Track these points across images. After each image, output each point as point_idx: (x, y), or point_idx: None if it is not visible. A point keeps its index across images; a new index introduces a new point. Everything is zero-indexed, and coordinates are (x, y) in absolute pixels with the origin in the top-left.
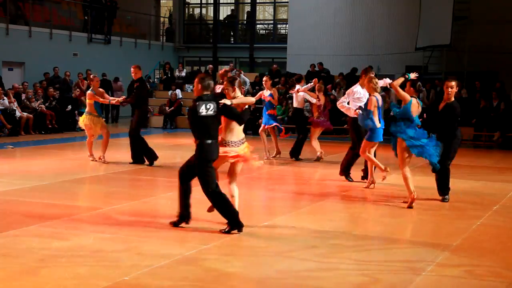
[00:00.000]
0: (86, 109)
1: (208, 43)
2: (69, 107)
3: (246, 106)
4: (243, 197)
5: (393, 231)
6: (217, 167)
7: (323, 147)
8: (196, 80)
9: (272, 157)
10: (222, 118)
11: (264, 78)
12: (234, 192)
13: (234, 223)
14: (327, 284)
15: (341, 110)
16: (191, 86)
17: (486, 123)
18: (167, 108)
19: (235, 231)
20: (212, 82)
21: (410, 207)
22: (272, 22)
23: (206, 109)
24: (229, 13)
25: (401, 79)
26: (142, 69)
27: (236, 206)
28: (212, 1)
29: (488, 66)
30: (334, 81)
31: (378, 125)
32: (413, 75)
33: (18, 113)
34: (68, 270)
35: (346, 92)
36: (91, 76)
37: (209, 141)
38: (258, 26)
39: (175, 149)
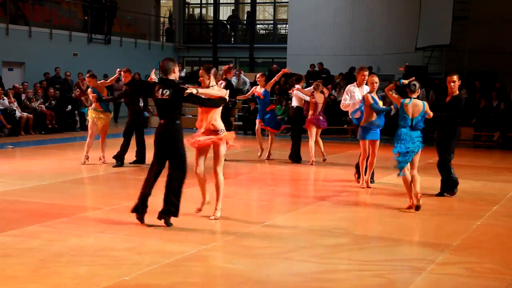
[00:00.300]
0: (92, 105)
1: (208, 43)
2: (69, 107)
3: (226, 97)
4: (244, 197)
5: (393, 231)
6: (205, 152)
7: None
8: (160, 65)
9: (266, 158)
10: (203, 108)
11: (258, 75)
12: (220, 182)
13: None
14: (327, 284)
15: (345, 110)
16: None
17: (486, 123)
18: None
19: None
20: (173, 65)
21: (409, 208)
22: (272, 22)
23: (162, 94)
24: (229, 13)
25: (392, 85)
26: (142, 69)
27: (220, 197)
28: (212, 1)
29: (488, 66)
30: (334, 81)
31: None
32: (405, 82)
33: (18, 113)
34: (68, 270)
35: (345, 91)
36: (87, 78)
37: (161, 122)
38: (258, 26)
39: None
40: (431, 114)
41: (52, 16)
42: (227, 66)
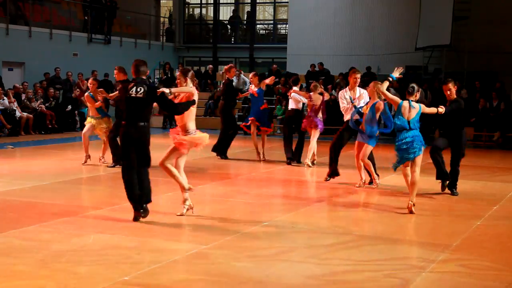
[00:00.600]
0: (90, 113)
1: (208, 43)
2: (69, 107)
3: (195, 98)
4: (243, 197)
5: (393, 231)
6: (178, 154)
7: (323, 147)
8: (132, 65)
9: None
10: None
11: (250, 75)
12: (172, 171)
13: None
14: (327, 284)
15: (347, 114)
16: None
17: (486, 123)
18: None
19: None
20: (146, 68)
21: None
22: (272, 22)
23: (136, 92)
24: (229, 13)
25: (386, 83)
26: None
27: (186, 185)
28: (212, 1)
29: (488, 66)
30: (334, 81)
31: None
32: (397, 74)
33: (18, 113)
34: (68, 270)
35: (339, 97)
36: (90, 80)
37: (134, 122)
38: (258, 26)
39: None
40: (435, 110)
41: (52, 16)
42: (228, 65)
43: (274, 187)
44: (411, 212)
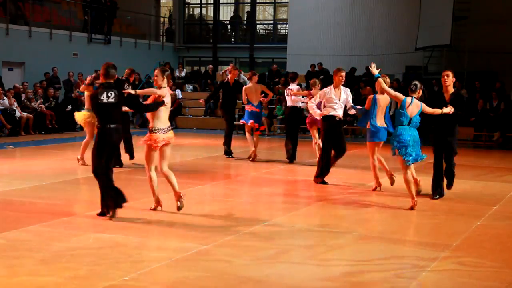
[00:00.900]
0: (86, 106)
1: (208, 43)
2: (69, 107)
3: (168, 100)
4: (244, 197)
5: (393, 231)
6: (149, 155)
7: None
8: (102, 68)
9: (252, 159)
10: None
11: (248, 75)
12: (170, 175)
13: (115, 205)
14: (327, 283)
15: (310, 111)
16: (191, 86)
17: (486, 123)
18: None
19: (110, 214)
20: (115, 71)
21: (412, 208)
22: (272, 22)
23: (107, 97)
24: (230, 13)
25: (382, 82)
26: (142, 69)
27: (176, 187)
28: (212, 1)
29: (488, 66)
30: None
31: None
32: (375, 70)
33: (18, 113)
34: (68, 270)
35: (319, 94)
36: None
37: (110, 126)
38: (258, 26)
39: (175, 149)
40: (438, 111)
41: (52, 16)
42: (231, 65)
43: (274, 187)
44: (412, 208)
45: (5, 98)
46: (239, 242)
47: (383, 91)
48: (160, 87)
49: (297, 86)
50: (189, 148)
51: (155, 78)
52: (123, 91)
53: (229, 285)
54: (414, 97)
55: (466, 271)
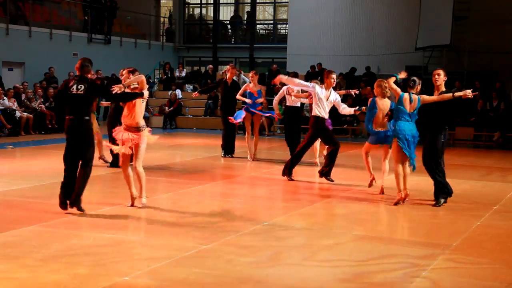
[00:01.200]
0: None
1: (208, 43)
2: None
3: (146, 93)
4: (243, 197)
5: (393, 231)
6: (127, 152)
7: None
8: (78, 61)
9: (252, 159)
10: (127, 105)
11: (251, 74)
12: (141, 174)
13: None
14: (327, 284)
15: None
16: (191, 86)
17: (486, 123)
18: (167, 108)
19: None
20: (90, 67)
21: (396, 203)
22: (272, 22)
23: (77, 89)
24: (230, 13)
25: (393, 78)
26: (142, 69)
27: (143, 187)
28: (212, 1)
29: (488, 66)
30: None
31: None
32: (402, 76)
33: (18, 113)
34: (68, 270)
35: (311, 85)
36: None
37: (74, 117)
38: (258, 26)
39: (175, 149)
40: (448, 95)
41: (52, 16)
42: (230, 65)
43: (274, 187)
44: (403, 200)
45: (5, 98)
46: (239, 242)
47: (384, 95)
48: (129, 85)
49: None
50: (189, 148)
51: (124, 77)
52: (97, 86)
53: (229, 285)
54: (413, 93)
55: (466, 271)
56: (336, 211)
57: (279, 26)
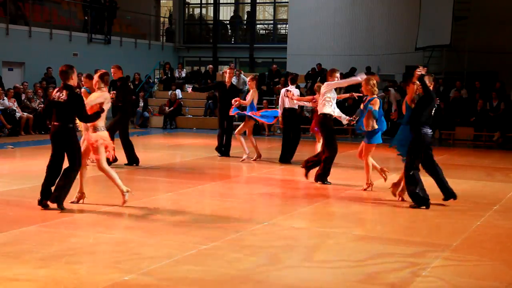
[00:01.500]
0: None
1: (208, 43)
2: None
3: (106, 106)
4: (243, 197)
5: (393, 231)
6: (90, 151)
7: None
8: (60, 69)
9: (253, 160)
10: (90, 107)
11: (248, 79)
12: (108, 172)
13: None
14: (327, 284)
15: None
16: (191, 86)
17: (486, 123)
18: (167, 108)
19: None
20: (71, 72)
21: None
22: (272, 22)
23: (58, 97)
24: (230, 13)
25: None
26: (142, 69)
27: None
28: (212, 1)
29: (488, 66)
30: None
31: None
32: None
33: (18, 113)
34: (68, 270)
35: (325, 86)
36: (83, 77)
37: (55, 123)
38: (258, 26)
39: (175, 149)
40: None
41: (52, 16)
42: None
43: (274, 187)
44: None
45: (5, 98)
46: (239, 242)
47: (373, 93)
48: (100, 88)
49: (297, 90)
50: (189, 148)
51: (95, 82)
52: (78, 97)
53: (229, 285)
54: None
55: (466, 270)
56: (336, 211)
57: (279, 26)
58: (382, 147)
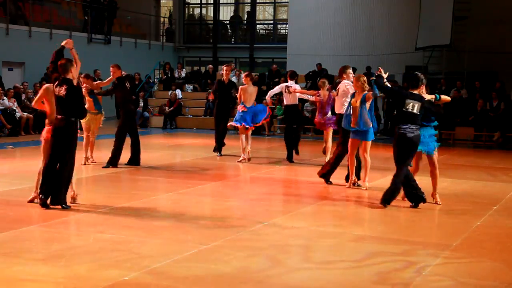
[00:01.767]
0: (86, 106)
1: (208, 43)
2: None
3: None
4: (243, 197)
5: (393, 231)
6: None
7: (320, 147)
8: (59, 64)
9: (238, 161)
10: (50, 104)
11: (243, 76)
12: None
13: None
14: (327, 284)
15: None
16: (191, 86)
17: (486, 123)
18: (167, 108)
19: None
20: (70, 65)
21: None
22: (272, 22)
23: (59, 91)
24: (230, 13)
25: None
26: (142, 69)
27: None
28: (212, 1)
29: (488, 66)
30: (334, 81)
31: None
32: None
33: (18, 113)
34: (68, 270)
35: (344, 91)
36: (81, 77)
37: (59, 117)
38: (258, 26)
39: (175, 149)
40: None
41: (52, 16)
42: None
43: (274, 187)
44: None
45: (5, 98)
46: (239, 242)
47: (363, 89)
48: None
49: (297, 85)
50: (189, 148)
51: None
52: (78, 90)
53: (230, 285)
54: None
55: (466, 270)
56: (336, 211)
57: (279, 26)
58: (382, 147)
